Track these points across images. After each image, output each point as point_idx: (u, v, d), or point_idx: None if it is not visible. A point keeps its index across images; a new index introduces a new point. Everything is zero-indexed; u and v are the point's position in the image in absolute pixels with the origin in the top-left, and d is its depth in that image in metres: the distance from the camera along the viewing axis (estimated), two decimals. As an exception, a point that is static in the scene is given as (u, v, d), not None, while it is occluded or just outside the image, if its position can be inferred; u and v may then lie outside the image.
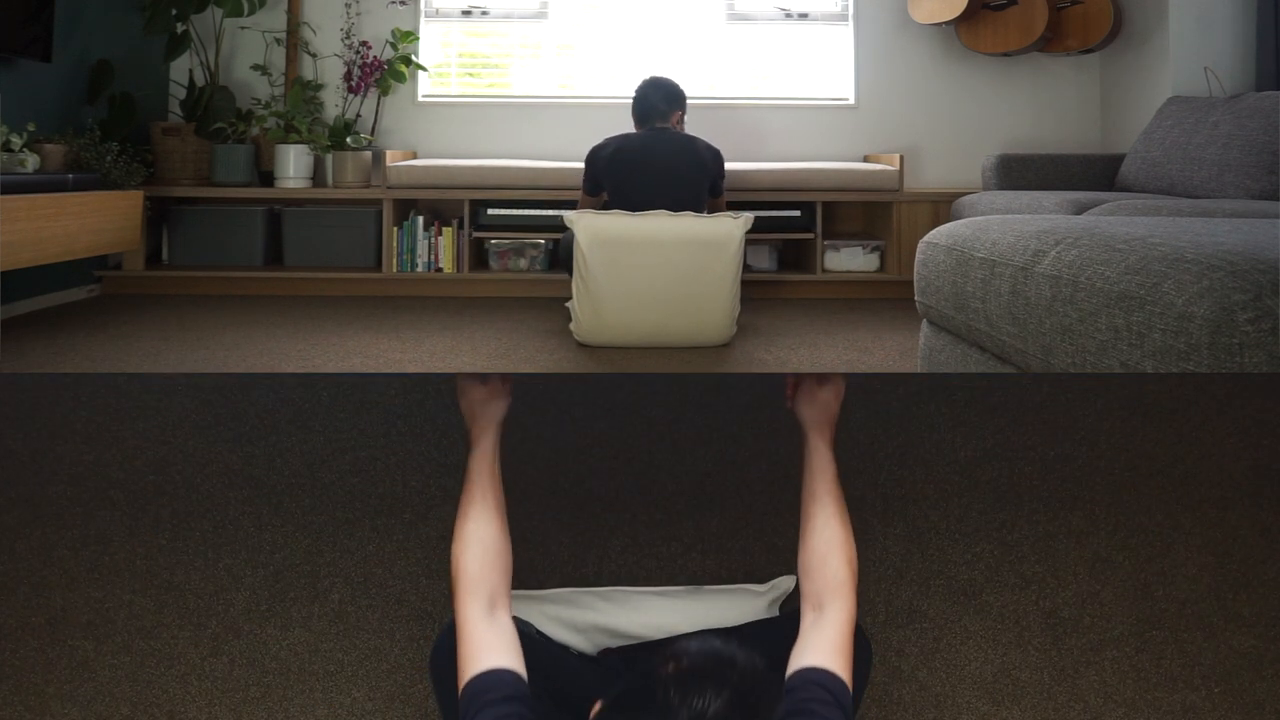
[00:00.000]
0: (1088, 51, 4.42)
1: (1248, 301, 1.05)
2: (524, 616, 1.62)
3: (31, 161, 3.25)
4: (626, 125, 3.60)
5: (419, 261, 4.15)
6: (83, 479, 2.12)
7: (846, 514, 1.49)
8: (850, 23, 4.74)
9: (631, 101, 3.54)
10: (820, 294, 4.22)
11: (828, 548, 1.44)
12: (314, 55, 4.59)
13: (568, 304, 3.21)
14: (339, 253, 4.22)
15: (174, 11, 4.08)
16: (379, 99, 4.56)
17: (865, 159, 4.59)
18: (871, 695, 1.95)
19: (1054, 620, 2.02)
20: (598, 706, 1.19)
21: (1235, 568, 2.06)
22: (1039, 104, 4.70)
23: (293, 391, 2.20)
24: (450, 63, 4.82)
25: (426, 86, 4.72)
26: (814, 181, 4.18)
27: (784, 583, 1.86)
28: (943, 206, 4.16)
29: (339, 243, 4.22)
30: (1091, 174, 4.06)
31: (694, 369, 2.85)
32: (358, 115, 4.54)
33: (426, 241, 4.15)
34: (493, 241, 4.22)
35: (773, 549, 2.06)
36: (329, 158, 4.31)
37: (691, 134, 3.55)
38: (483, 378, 1.57)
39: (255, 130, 4.24)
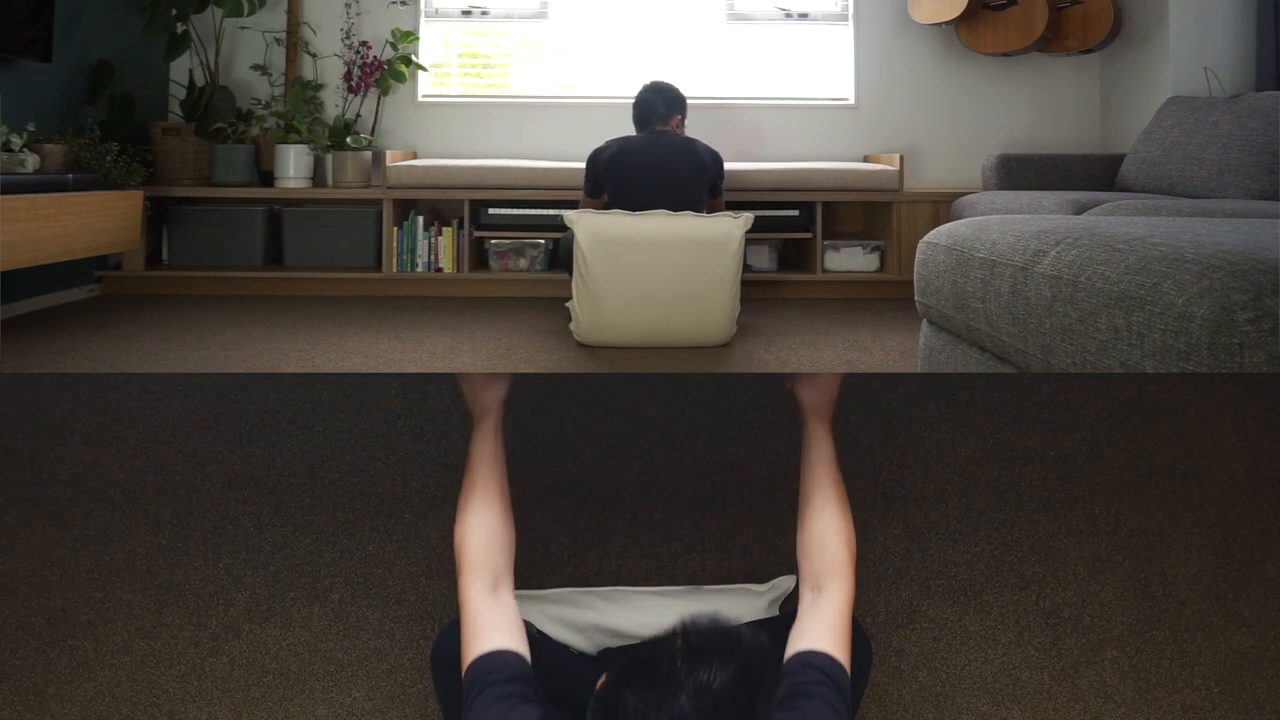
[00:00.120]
0: (1088, 51, 4.42)
1: (1248, 301, 1.05)
2: (524, 616, 1.62)
3: (31, 161, 3.25)
4: (626, 125, 3.61)
5: (419, 261, 4.15)
6: (83, 479, 2.12)
7: (845, 497, 1.50)
8: (850, 23, 4.74)
9: (632, 105, 3.56)
10: (820, 294, 4.22)
11: (826, 529, 1.45)
12: (314, 55, 4.59)
13: (568, 304, 3.21)
14: (339, 253, 4.22)
15: (174, 11, 4.08)
16: (379, 99, 4.56)
17: (865, 159, 4.59)
18: (871, 695, 1.95)
19: (1054, 620, 2.02)
20: (604, 679, 1.19)
21: (1235, 568, 2.06)
22: (1039, 104, 4.70)
23: (293, 391, 2.20)
24: (450, 63, 4.82)
25: (426, 86, 4.72)
26: (814, 181, 4.18)
27: (784, 583, 1.86)
28: (943, 206, 4.15)
29: (339, 243, 4.22)
30: (1091, 174, 4.06)
31: (694, 369, 2.85)
32: (358, 115, 4.54)
33: (426, 241, 4.15)
34: (493, 241, 4.22)
35: (773, 549, 2.06)
36: (329, 158, 4.31)
37: (691, 136, 3.56)
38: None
39: (255, 130, 4.24)
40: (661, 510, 2.09)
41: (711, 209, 3.47)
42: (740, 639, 1.11)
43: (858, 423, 2.16)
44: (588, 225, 3.11)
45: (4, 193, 2.94)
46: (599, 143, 3.56)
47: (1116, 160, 4.05)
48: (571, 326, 3.19)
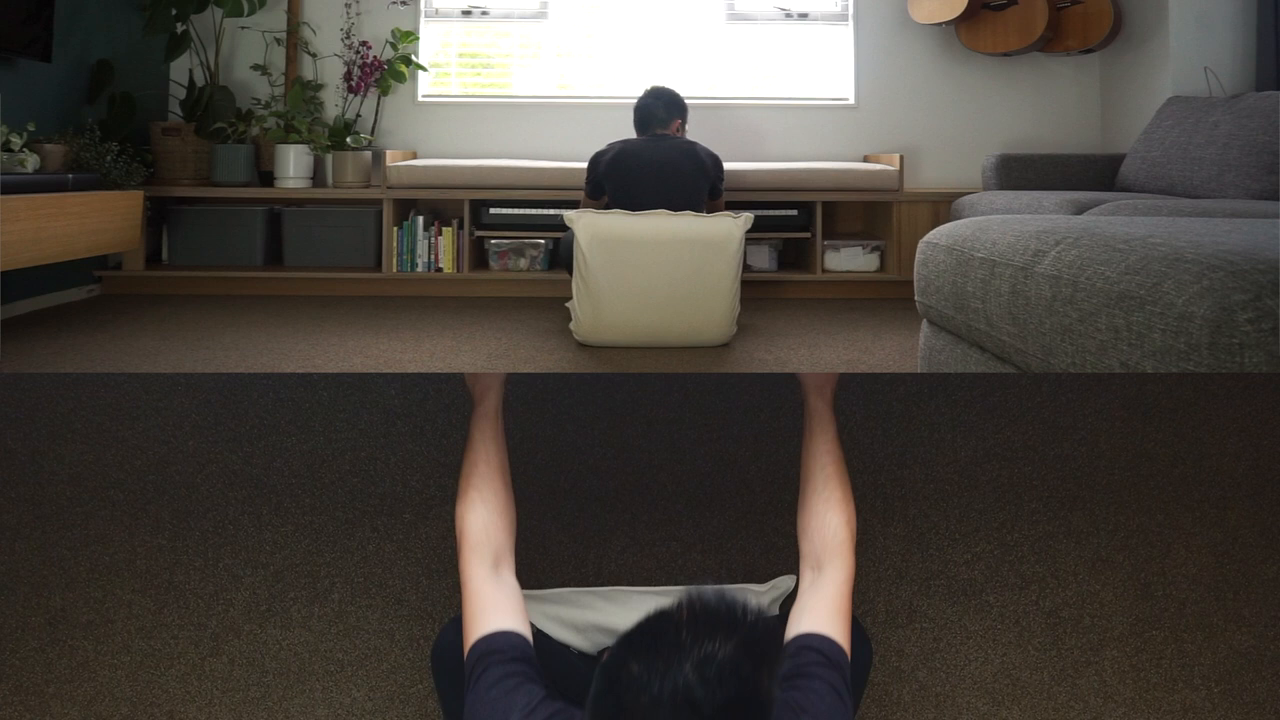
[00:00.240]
0: (1088, 51, 4.42)
1: (1248, 301, 1.05)
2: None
3: (31, 161, 3.24)
4: (626, 125, 3.62)
5: (419, 261, 4.15)
6: (83, 479, 2.12)
7: (846, 475, 1.50)
8: (850, 23, 4.74)
9: (633, 110, 3.59)
10: (820, 294, 4.22)
11: (826, 507, 1.46)
12: (314, 55, 4.59)
13: (568, 304, 3.22)
14: (339, 253, 4.22)
15: (174, 11, 4.08)
16: (379, 99, 4.57)
17: (865, 159, 4.59)
18: (871, 695, 1.95)
19: (1054, 620, 2.02)
20: (609, 649, 1.20)
21: (1235, 568, 2.06)
22: (1039, 104, 4.70)
23: (293, 391, 2.20)
24: (450, 63, 4.82)
25: (426, 86, 4.72)
26: (814, 181, 4.18)
27: (784, 583, 1.86)
28: (943, 206, 4.15)
29: (339, 243, 4.22)
30: (1091, 174, 4.06)
31: (694, 369, 2.85)
32: (358, 115, 4.54)
33: (426, 241, 4.15)
34: (493, 241, 4.22)
35: (773, 549, 2.06)
36: (329, 158, 4.31)
37: (691, 139, 3.59)
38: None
39: (255, 130, 4.24)
40: (661, 510, 2.09)
41: (711, 210, 3.48)
42: (745, 612, 1.12)
43: (858, 423, 2.16)
44: (588, 225, 3.11)
45: (4, 193, 2.94)
46: (599, 143, 3.57)
47: (1116, 160, 4.05)
48: (571, 326, 3.20)
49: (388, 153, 4.21)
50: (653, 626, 1.11)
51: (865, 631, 1.64)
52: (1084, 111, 4.70)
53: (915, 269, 1.91)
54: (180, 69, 4.43)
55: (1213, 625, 2.01)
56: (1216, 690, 1.96)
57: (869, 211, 4.56)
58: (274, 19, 4.52)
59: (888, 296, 4.17)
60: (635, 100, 3.61)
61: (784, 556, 2.01)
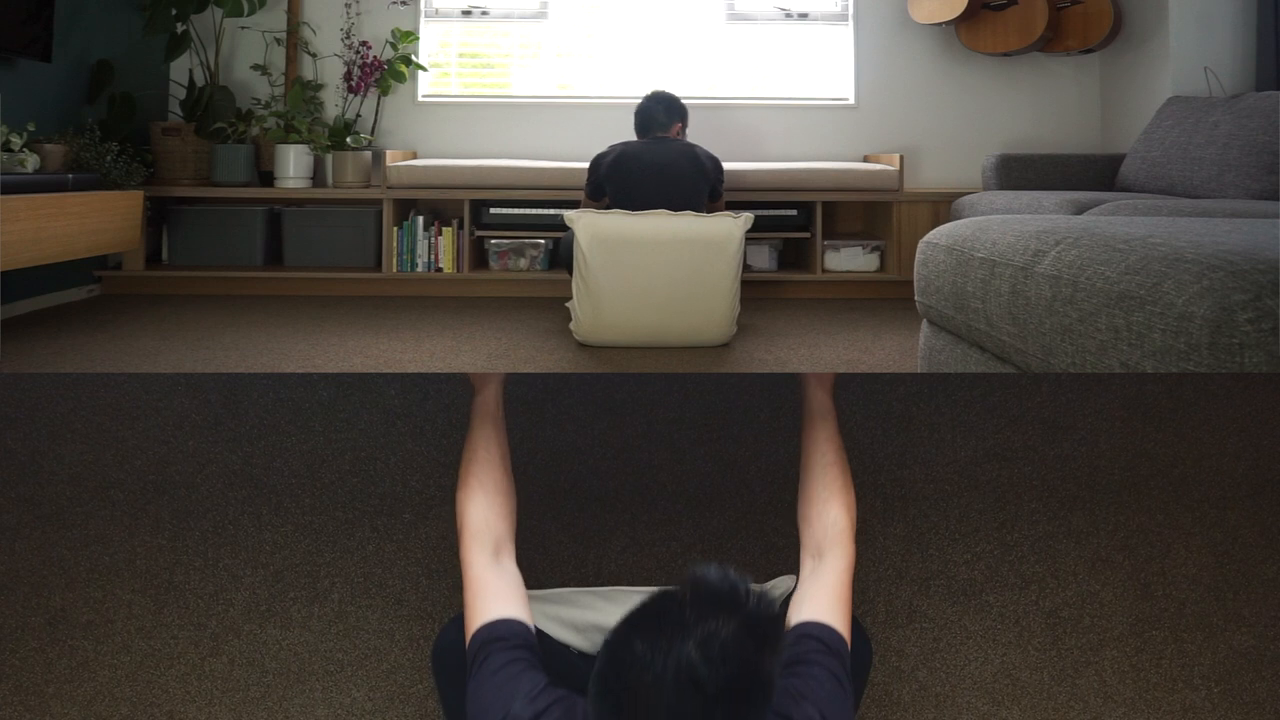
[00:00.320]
0: (1088, 51, 4.42)
1: (1248, 301, 1.05)
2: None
3: (31, 161, 3.24)
4: (626, 125, 3.63)
5: (419, 261, 4.15)
6: (83, 479, 2.12)
7: (846, 464, 1.51)
8: (850, 23, 4.74)
9: (634, 114, 3.61)
10: (820, 294, 4.22)
11: (827, 496, 1.46)
12: (314, 55, 4.59)
13: (568, 304, 3.22)
14: (339, 253, 4.22)
15: (174, 11, 4.08)
16: (379, 99, 4.56)
17: (865, 159, 4.59)
18: (871, 695, 1.95)
19: (1054, 620, 2.02)
20: (613, 629, 1.20)
21: (1235, 568, 2.06)
22: (1039, 104, 4.70)
23: (293, 391, 2.20)
24: (450, 63, 4.82)
25: (426, 86, 4.72)
26: (814, 181, 4.18)
27: (784, 582, 1.86)
28: (943, 206, 4.15)
29: (339, 243, 4.22)
30: (1091, 174, 4.06)
31: (694, 369, 2.85)
32: (358, 115, 4.54)
33: (426, 241, 4.15)
34: (493, 241, 4.22)
35: (773, 549, 2.06)
36: (329, 158, 4.31)
37: (691, 141, 3.60)
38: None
39: (255, 130, 4.24)
40: (661, 510, 2.09)
41: (711, 212, 3.48)
42: (747, 592, 1.13)
43: (858, 423, 2.16)
44: (588, 225, 3.11)
45: (4, 193, 2.94)
46: (598, 143, 3.58)
47: (1116, 160, 4.05)
48: (571, 326, 3.20)
49: (388, 153, 4.21)
50: (656, 606, 1.12)
51: (865, 631, 1.64)
52: (1084, 111, 4.70)
53: (915, 269, 1.91)
54: (180, 69, 4.43)
55: (1213, 625, 2.01)
56: (1216, 690, 1.96)
57: (869, 211, 4.56)
58: (274, 19, 4.52)
59: (888, 296, 4.17)
60: (635, 102, 3.62)
61: (784, 556, 2.01)
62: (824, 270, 4.21)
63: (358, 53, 4.46)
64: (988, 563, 2.06)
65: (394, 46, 4.48)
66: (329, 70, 4.58)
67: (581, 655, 1.69)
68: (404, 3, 4.62)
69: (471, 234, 4.15)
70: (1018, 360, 1.52)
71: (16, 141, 3.21)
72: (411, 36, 4.50)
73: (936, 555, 2.07)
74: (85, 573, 2.04)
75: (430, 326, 3.48)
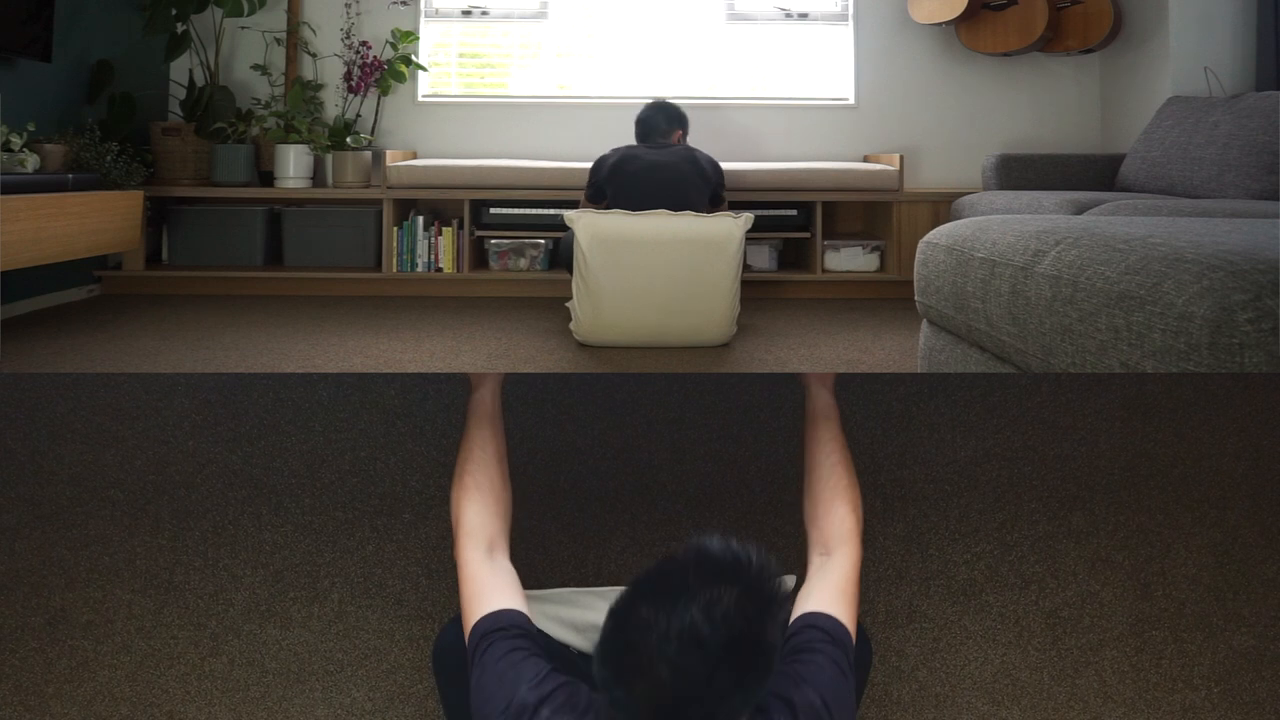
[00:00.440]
0: (1088, 51, 4.42)
1: (1248, 301, 1.05)
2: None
3: (31, 161, 3.24)
4: (626, 125, 3.65)
5: (419, 261, 4.15)
6: (83, 479, 2.12)
7: (851, 463, 1.52)
8: (850, 23, 4.74)
9: (635, 122, 3.64)
10: (820, 294, 4.22)
11: (834, 495, 1.48)
12: (314, 55, 4.59)
13: (568, 304, 3.22)
14: (339, 253, 4.22)
15: (174, 11, 4.08)
16: (379, 99, 4.56)
17: (865, 159, 4.59)
18: (871, 695, 1.95)
19: (1054, 620, 2.02)
20: (619, 595, 1.21)
21: (1235, 568, 2.06)
22: (1039, 104, 4.70)
23: (293, 391, 2.20)
24: (450, 63, 4.82)
25: (426, 86, 4.72)
26: (814, 181, 4.18)
27: (786, 583, 1.86)
28: (943, 206, 4.15)
29: (339, 243, 4.22)
30: (1091, 174, 4.06)
31: (694, 369, 2.85)
32: (358, 115, 4.54)
33: (426, 241, 4.15)
34: (493, 241, 4.22)
35: (773, 549, 2.05)
36: (329, 158, 4.31)
37: (691, 146, 3.61)
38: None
39: (255, 130, 4.24)
40: (661, 510, 2.09)
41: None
42: (750, 559, 1.15)
43: (858, 423, 2.16)
44: (588, 225, 3.11)
45: (4, 193, 2.94)
46: (598, 143, 3.59)
47: (1116, 160, 4.05)
48: (571, 326, 3.20)
49: (388, 153, 4.21)
50: (661, 572, 1.14)
51: (865, 631, 1.64)
52: (1084, 111, 4.70)
53: (915, 269, 1.91)
54: (180, 69, 4.43)
55: (1213, 625, 2.01)
56: (1216, 690, 1.96)
57: (869, 211, 4.56)
58: (274, 19, 4.52)
59: (888, 296, 4.17)
60: (635, 102, 3.64)
61: (784, 556, 2.01)
62: (824, 270, 4.21)
63: (358, 53, 4.46)
64: (988, 563, 2.06)
65: (394, 46, 4.48)
66: (329, 70, 4.58)
67: (581, 655, 1.69)
68: (404, 3, 4.62)
69: (471, 234, 4.15)
70: (1018, 360, 1.52)
71: (16, 141, 3.21)
72: (411, 36, 4.50)
73: (936, 555, 2.07)
74: (85, 573, 2.04)
75: (430, 326, 3.48)
